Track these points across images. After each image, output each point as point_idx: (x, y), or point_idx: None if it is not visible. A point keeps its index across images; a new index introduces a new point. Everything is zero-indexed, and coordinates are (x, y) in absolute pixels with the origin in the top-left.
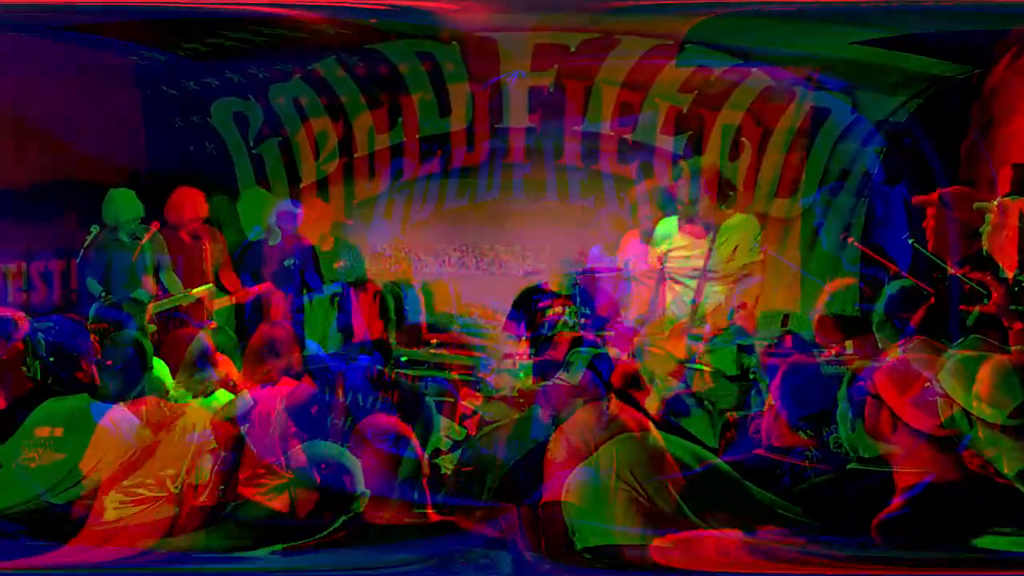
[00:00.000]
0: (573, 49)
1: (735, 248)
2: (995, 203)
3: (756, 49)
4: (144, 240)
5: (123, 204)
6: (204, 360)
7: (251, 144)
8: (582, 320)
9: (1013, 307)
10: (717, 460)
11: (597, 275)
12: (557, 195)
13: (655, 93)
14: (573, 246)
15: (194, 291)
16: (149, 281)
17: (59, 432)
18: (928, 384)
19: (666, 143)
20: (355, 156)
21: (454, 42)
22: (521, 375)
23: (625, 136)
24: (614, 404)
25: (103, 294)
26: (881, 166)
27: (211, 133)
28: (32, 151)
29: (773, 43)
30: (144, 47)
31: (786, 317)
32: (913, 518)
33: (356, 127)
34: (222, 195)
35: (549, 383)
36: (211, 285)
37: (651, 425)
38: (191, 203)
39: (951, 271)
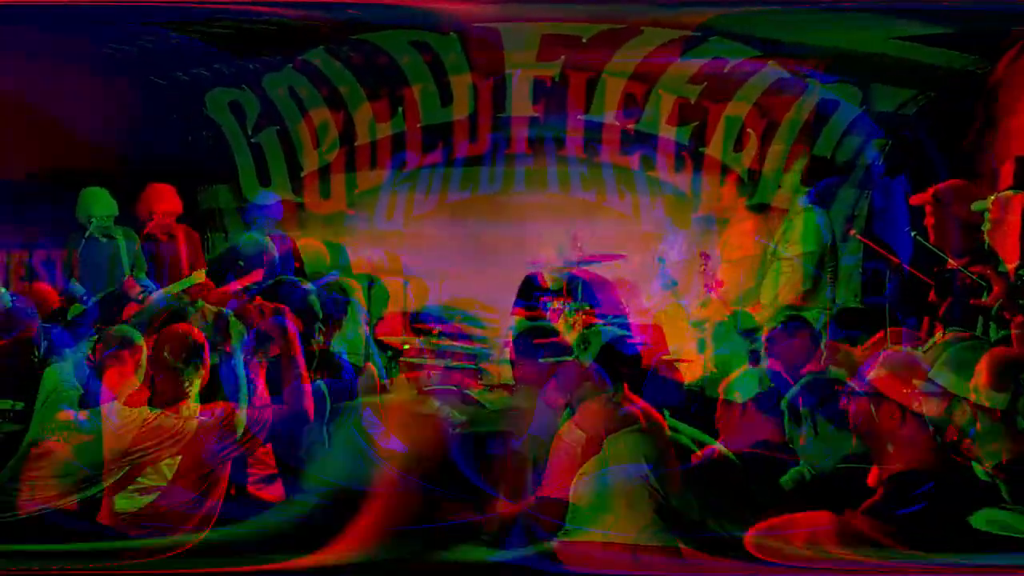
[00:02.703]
0: (585, 40)
1: None
2: (991, 199)
3: (783, 42)
4: (120, 239)
5: (95, 202)
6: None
7: (250, 133)
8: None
9: (1017, 300)
10: (726, 451)
11: (597, 268)
12: (559, 188)
13: (662, 85)
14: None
15: (192, 277)
16: (129, 280)
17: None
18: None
19: (669, 133)
20: (356, 144)
21: (453, 33)
22: None
23: (628, 127)
24: (624, 395)
25: (84, 295)
26: (885, 159)
27: (207, 123)
28: (34, 141)
29: (803, 37)
30: (124, 39)
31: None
32: (926, 512)
33: (356, 116)
34: (223, 185)
35: (562, 364)
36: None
37: (661, 416)
38: (164, 199)
39: (952, 264)
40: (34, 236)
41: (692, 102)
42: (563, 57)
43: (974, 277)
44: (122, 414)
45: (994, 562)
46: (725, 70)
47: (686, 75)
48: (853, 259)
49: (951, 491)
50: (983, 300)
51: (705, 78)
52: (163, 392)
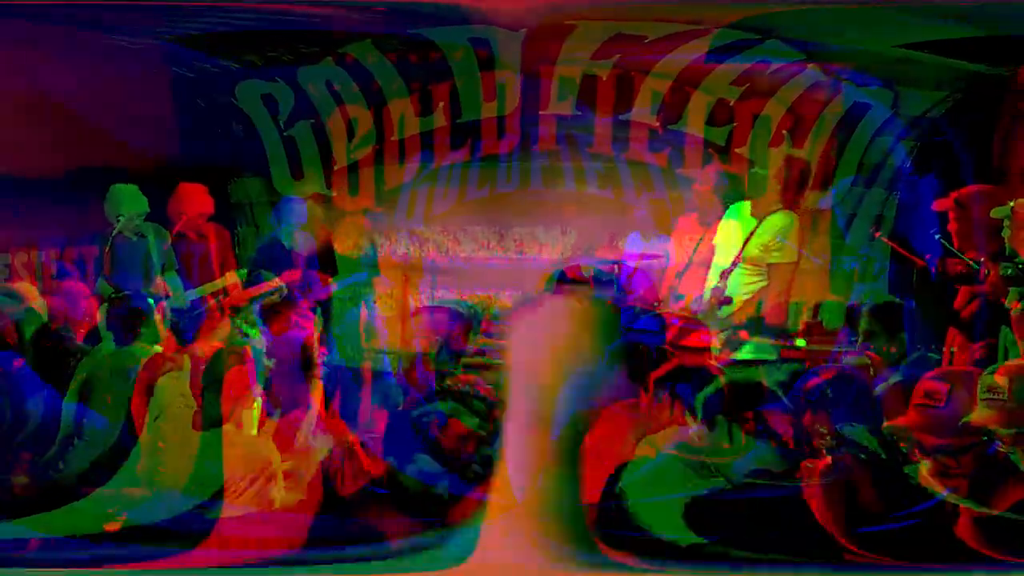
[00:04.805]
0: (648, 40)
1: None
2: (1010, 206)
3: (828, 44)
4: (151, 237)
5: (126, 200)
6: None
7: (282, 126)
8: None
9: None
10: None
11: (634, 262)
12: (575, 186)
13: (704, 85)
14: (598, 235)
15: (225, 279)
16: (160, 281)
17: None
18: None
19: (698, 131)
20: (389, 139)
21: (524, 29)
22: None
23: (657, 126)
24: (643, 398)
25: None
26: (912, 161)
27: (237, 115)
28: (66, 138)
29: (843, 40)
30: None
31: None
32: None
33: (391, 111)
34: (255, 178)
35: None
36: (241, 271)
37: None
38: (196, 199)
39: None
40: (63, 234)
41: (731, 103)
42: (617, 56)
43: (968, 262)
44: None
45: None
46: (768, 72)
47: (730, 76)
48: (880, 259)
49: None
50: (978, 285)
51: (747, 79)
52: None
